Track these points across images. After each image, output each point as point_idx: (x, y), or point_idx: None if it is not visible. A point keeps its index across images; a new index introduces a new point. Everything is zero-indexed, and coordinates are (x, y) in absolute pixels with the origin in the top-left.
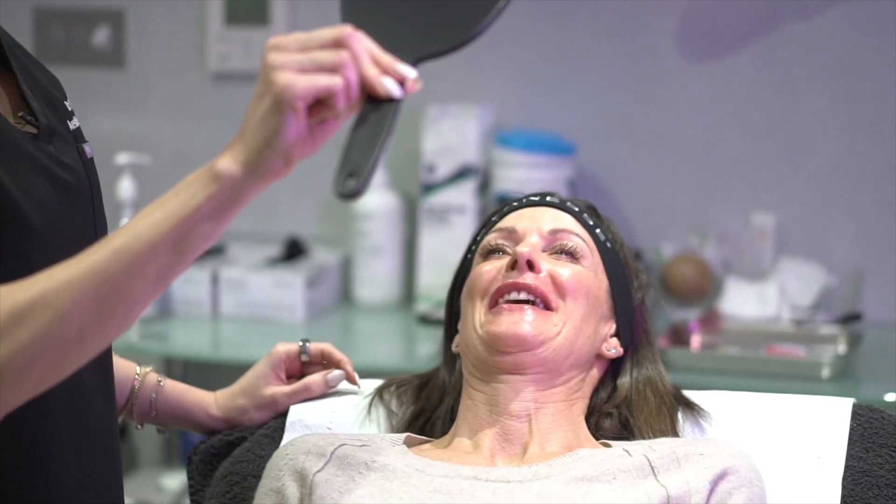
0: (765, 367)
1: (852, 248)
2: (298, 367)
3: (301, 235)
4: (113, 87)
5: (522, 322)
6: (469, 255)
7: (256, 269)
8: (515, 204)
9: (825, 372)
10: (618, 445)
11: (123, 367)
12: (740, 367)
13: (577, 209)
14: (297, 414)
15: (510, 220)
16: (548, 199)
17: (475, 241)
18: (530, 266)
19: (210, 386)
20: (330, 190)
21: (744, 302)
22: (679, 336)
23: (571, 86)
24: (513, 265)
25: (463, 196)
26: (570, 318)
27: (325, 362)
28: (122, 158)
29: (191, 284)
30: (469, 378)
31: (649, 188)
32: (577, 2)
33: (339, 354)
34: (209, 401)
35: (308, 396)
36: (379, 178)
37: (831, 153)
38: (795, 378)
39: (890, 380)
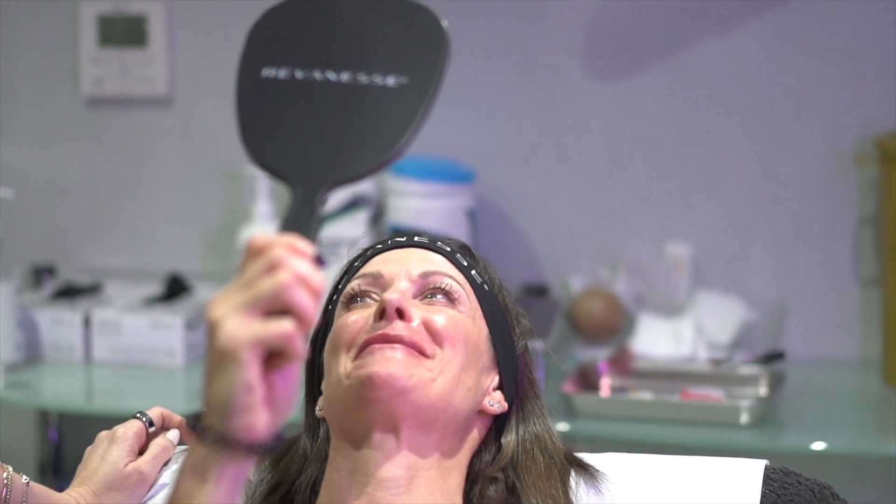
0: (679, 412)
1: (773, 280)
2: (146, 441)
3: (183, 272)
4: None
5: (393, 362)
6: (330, 306)
7: (132, 310)
8: (380, 246)
9: (744, 417)
10: None
11: None
12: (653, 414)
13: (448, 249)
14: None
15: (375, 265)
16: (416, 238)
17: (336, 290)
18: (400, 315)
19: (86, 441)
20: (214, 221)
21: (657, 340)
22: (587, 379)
23: (468, 107)
24: (381, 314)
25: (355, 228)
26: (448, 367)
27: (165, 425)
28: None
29: (61, 326)
30: (335, 444)
31: (555, 217)
32: (472, 16)
33: (176, 416)
34: None
35: (168, 456)
36: (265, 208)
37: (748, 177)
38: (712, 424)
39: (815, 425)
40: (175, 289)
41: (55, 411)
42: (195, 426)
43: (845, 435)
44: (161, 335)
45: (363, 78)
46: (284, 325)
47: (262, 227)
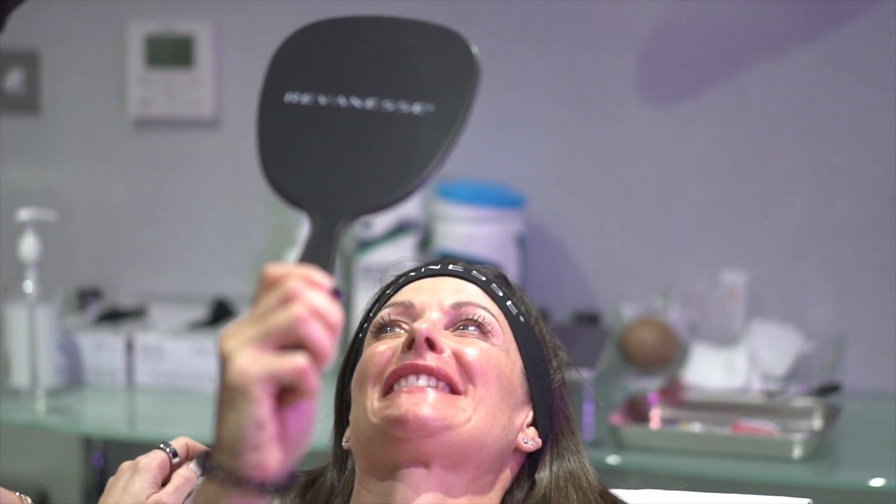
0: (730, 446)
1: (831, 309)
2: (169, 472)
3: (229, 296)
4: (26, 134)
5: (424, 404)
6: (360, 335)
7: (175, 335)
8: (413, 274)
9: (797, 452)
10: None
11: (3, 497)
12: (703, 447)
13: (483, 279)
14: None
15: (406, 293)
16: (450, 267)
17: (367, 318)
18: (430, 345)
19: None
20: (261, 245)
21: (710, 370)
22: (636, 410)
23: (521, 132)
24: (410, 344)
25: (402, 253)
26: (482, 404)
27: (189, 455)
28: (24, 214)
29: (103, 351)
30: (361, 478)
31: (607, 244)
32: (525, 40)
33: (200, 446)
34: None
35: (191, 487)
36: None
37: (806, 205)
38: (764, 458)
39: (871, 460)
40: (220, 313)
41: (98, 438)
42: (205, 463)
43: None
44: (204, 360)
45: (388, 105)
46: (298, 360)
47: None
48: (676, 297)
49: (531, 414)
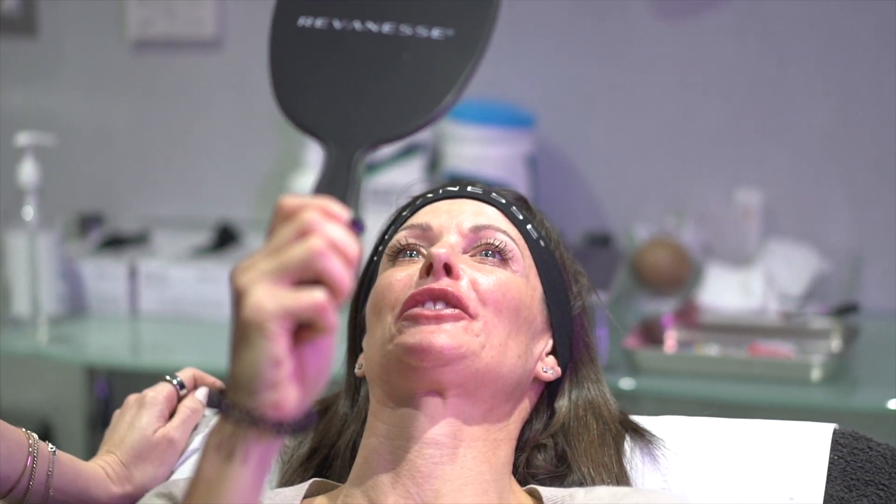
0: (747, 369)
1: (848, 229)
2: (176, 404)
3: (234, 220)
4: (23, 57)
5: (439, 332)
6: (375, 258)
7: (180, 261)
8: (430, 196)
9: (815, 374)
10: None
11: (9, 433)
12: (719, 370)
13: (503, 201)
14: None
15: (424, 216)
16: (469, 189)
17: (382, 241)
18: (448, 271)
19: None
20: (266, 169)
21: (726, 291)
22: (651, 333)
23: (530, 50)
24: (427, 270)
25: (410, 175)
26: (494, 332)
27: (197, 386)
28: (23, 139)
29: (106, 280)
30: (374, 407)
31: (620, 164)
32: None
33: (208, 377)
34: (102, 476)
35: (198, 419)
36: (317, 155)
37: (823, 123)
38: (782, 381)
39: (891, 381)
40: (224, 238)
41: (101, 367)
42: (220, 402)
43: None
44: (209, 288)
45: (406, 29)
46: (316, 296)
47: (313, 175)
48: (690, 217)
49: (551, 342)
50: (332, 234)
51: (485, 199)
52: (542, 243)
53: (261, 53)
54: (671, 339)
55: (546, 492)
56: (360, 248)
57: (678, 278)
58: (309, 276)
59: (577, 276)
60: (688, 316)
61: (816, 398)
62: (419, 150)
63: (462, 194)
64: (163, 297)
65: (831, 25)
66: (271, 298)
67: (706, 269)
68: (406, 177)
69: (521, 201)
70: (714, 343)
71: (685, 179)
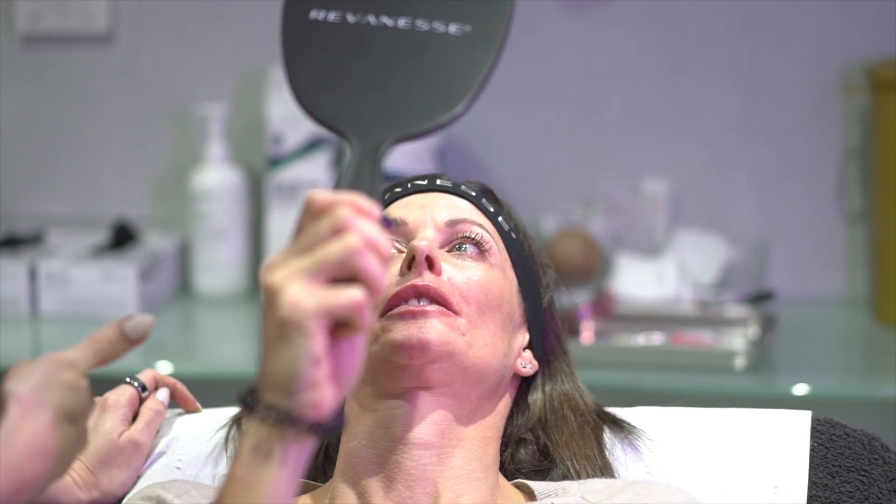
0: (669, 358)
1: (755, 216)
2: (138, 406)
3: (130, 218)
4: None
5: (427, 328)
6: None
7: (81, 261)
8: (399, 190)
9: (739, 362)
10: (544, 498)
11: None
12: (640, 360)
13: (473, 193)
14: None
15: (396, 210)
16: (438, 182)
17: None
18: (430, 264)
19: None
20: (163, 165)
21: (639, 281)
22: (567, 324)
23: None
24: (409, 264)
25: (316, 170)
26: (480, 330)
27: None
28: None
29: (5, 281)
30: (355, 411)
31: (526, 154)
32: None
33: (168, 378)
34: (69, 483)
35: (161, 420)
36: (217, 150)
37: (729, 110)
38: (705, 370)
39: (811, 367)
40: (122, 236)
41: (4, 371)
42: (253, 404)
43: (835, 377)
44: (113, 287)
45: (422, 24)
46: (354, 295)
47: (213, 171)
48: (598, 207)
49: (527, 336)
50: (367, 232)
51: (455, 191)
52: (513, 235)
53: (155, 47)
54: (588, 329)
55: (537, 486)
56: (391, 245)
57: (589, 269)
58: (344, 274)
59: (544, 267)
60: (603, 307)
61: (740, 387)
62: (325, 145)
63: (432, 188)
64: (65, 298)
65: (736, 11)
66: (309, 296)
67: (616, 259)
68: (312, 171)
69: (489, 193)
70: (631, 333)
71: (592, 169)
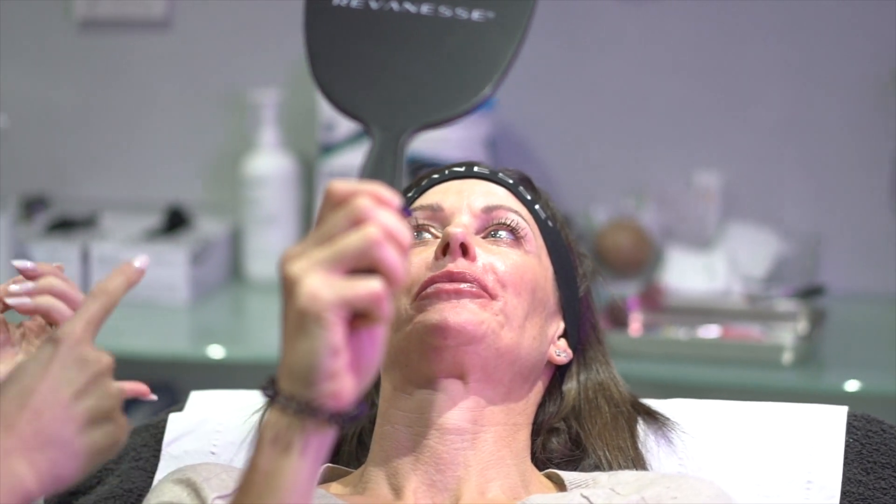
0: (717, 351)
1: (808, 210)
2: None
3: (183, 203)
4: None
5: (461, 309)
6: None
7: (133, 244)
8: (436, 176)
9: (787, 357)
10: (574, 489)
11: None
12: (688, 352)
13: (510, 181)
14: (173, 434)
15: (433, 196)
16: (475, 169)
17: None
18: (464, 251)
19: None
20: (216, 150)
21: (689, 274)
22: (615, 316)
23: None
24: (444, 250)
25: None
26: (513, 314)
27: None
28: None
29: (58, 261)
30: (389, 395)
31: (578, 145)
32: None
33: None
34: None
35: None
36: (270, 136)
37: (782, 103)
38: (752, 365)
39: (860, 364)
40: (175, 221)
41: None
42: (273, 395)
43: (884, 373)
44: (164, 271)
45: (445, 11)
46: (373, 286)
47: (266, 157)
48: (650, 199)
49: (562, 325)
50: (386, 222)
51: (493, 178)
52: (549, 223)
53: (210, 33)
54: (636, 321)
55: (568, 476)
56: (410, 235)
57: (639, 261)
58: (363, 265)
59: (581, 257)
60: (651, 299)
61: (787, 381)
62: None
63: (470, 174)
64: None
65: (791, 5)
66: (328, 287)
67: (667, 252)
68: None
69: (527, 181)
70: (680, 326)
71: (644, 161)
